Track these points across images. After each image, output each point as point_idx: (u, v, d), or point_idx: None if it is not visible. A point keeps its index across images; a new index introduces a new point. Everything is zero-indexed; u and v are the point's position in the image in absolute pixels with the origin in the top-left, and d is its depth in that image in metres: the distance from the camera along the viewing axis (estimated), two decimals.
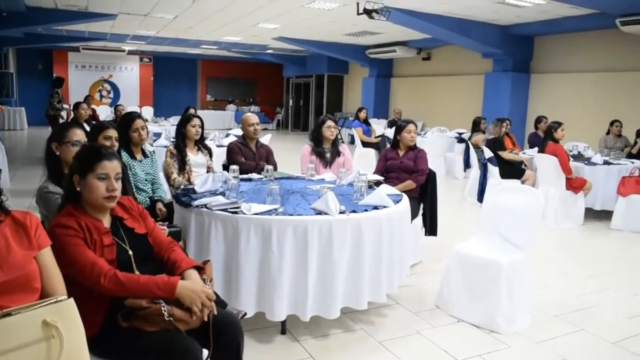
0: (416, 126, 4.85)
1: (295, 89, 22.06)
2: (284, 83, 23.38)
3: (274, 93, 23.86)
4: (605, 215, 6.86)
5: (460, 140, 10.46)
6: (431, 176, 4.72)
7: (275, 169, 4.76)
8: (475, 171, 7.90)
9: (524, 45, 11.69)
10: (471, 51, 12.40)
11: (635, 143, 8.05)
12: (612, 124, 8.60)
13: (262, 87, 23.89)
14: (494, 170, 7.28)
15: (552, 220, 6.56)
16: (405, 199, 3.75)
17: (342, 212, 3.16)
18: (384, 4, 9.29)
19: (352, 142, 12.25)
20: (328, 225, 3.07)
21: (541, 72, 11.74)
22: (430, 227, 4.71)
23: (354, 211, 3.23)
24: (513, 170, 7.28)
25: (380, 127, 11.98)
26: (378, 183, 4.17)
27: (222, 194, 3.54)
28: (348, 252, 3.14)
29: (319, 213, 3.16)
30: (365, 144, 10.34)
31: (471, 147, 8.24)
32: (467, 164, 9.71)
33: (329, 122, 4.91)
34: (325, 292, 3.13)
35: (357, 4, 9.35)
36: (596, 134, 8.93)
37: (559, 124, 6.75)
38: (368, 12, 9.21)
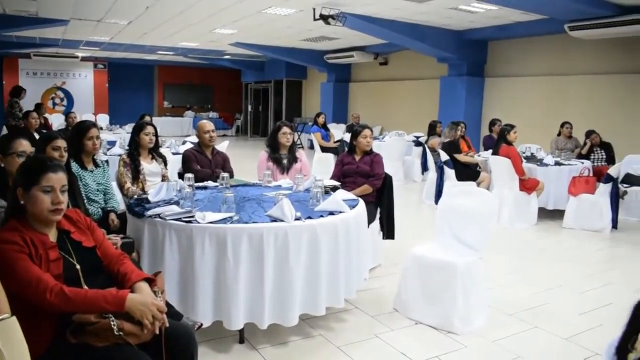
0: (372, 131, 4.89)
1: (253, 94, 21.97)
2: (243, 89, 23.26)
3: (233, 99, 23.71)
4: (557, 215, 7.05)
5: (418, 143, 10.60)
6: (387, 180, 4.77)
7: (231, 176, 4.72)
8: (432, 174, 8.03)
9: (478, 49, 11.93)
10: (427, 56, 12.59)
11: (585, 144, 8.32)
12: (562, 125, 8.86)
13: (220, 93, 23.69)
14: (450, 173, 7.40)
15: (507, 221, 6.72)
16: (362, 203, 3.77)
17: (297, 219, 3.16)
18: (340, 10, 9.36)
19: (312, 147, 12.27)
20: (284, 232, 3.07)
21: (495, 75, 12.01)
22: (388, 231, 4.75)
23: (309, 217, 3.24)
24: (469, 173, 7.43)
25: (339, 131, 12.05)
26: (335, 188, 4.19)
27: (177, 203, 3.49)
28: (304, 259, 3.14)
29: (275, 220, 3.15)
30: (324, 149, 10.40)
31: (428, 150, 8.37)
32: (424, 167, 9.85)
33: (285, 129, 4.91)
34: (282, 299, 3.12)
35: (314, 10, 9.41)
36: (548, 136, 9.18)
37: (512, 126, 6.93)
38: (324, 18, 9.27)
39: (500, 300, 4.20)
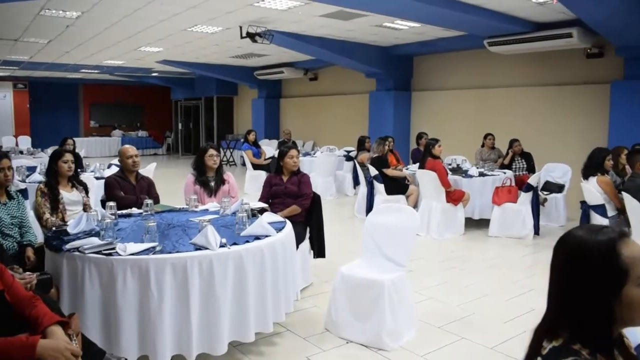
0: (298, 151, 4.92)
1: (184, 112, 21.63)
2: (173, 106, 22.82)
3: (163, 117, 23.24)
4: (483, 224, 7.31)
5: (349, 158, 10.74)
6: (316, 199, 4.80)
7: (157, 201, 4.62)
8: (363, 188, 8.15)
9: (404, 64, 12.26)
10: (355, 71, 12.82)
11: (508, 153, 8.67)
12: (485, 137, 9.21)
13: (149, 111, 23.19)
14: (380, 187, 7.54)
15: (436, 232, 6.89)
16: (289, 225, 3.78)
17: (222, 246, 3.13)
18: (266, 27, 9.39)
19: (245, 164, 12.20)
20: (208, 260, 3.02)
21: (421, 89, 12.36)
22: (318, 250, 4.77)
23: (235, 243, 3.20)
24: (397, 187, 7.59)
25: (271, 148, 12.04)
26: (262, 210, 4.17)
27: (97, 234, 3.38)
28: (231, 286, 3.11)
29: (199, 248, 3.10)
30: (256, 166, 10.36)
31: (357, 165, 8.49)
32: (356, 182, 9.99)
33: (211, 151, 4.85)
34: (210, 328, 3.07)
35: (240, 28, 9.39)
36: (473, 147, 9.51)
37: (436, 140, 7.14)
38: (251, 36, 9.26)
39: (429, 313, 4.30)
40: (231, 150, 16.81)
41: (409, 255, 3.87)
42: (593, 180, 5.65)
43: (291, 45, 10.72)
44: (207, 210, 4.34)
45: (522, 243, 6.70)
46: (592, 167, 5.73)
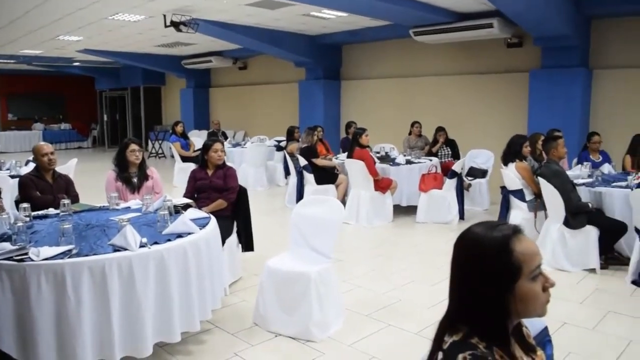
0: (223, 145, 4.84)
1: (109, 102, 20.87)
2: (97, 97, 21.94)
3: (87, 108, 22.28)
4: (411, 210, 7.49)
5: (279, 148, 10.71)
6: (243, 193, 4.75)
7: (76, 200, 4.44)
8: (293, 179, 8.15)
9: (333, 54, 12.32)
10: (285, 60, 12.76)
11: (436, 140, 8.85)
12: (412, 125, 9.41)
13: (73, 102, 22.17)
14: (309, 177, 7.57)
15: (365, 220, 7.00)
16: (213, 221, 3.73)
17: (143, 245, 3.05)
18: (191, 16, 9.18)
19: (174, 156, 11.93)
20: (128, 261, 2.93)
21: (350, 78, 12.46)
22: (246, 243, 4.75)
23: (156, 242, 3.13)
24: (327, 176, 7.64)
25: (200, 139, 11.80)
26: (186, 206, 4.09)
27: (9, 238, 3.20)
28: (153, 287, 3.03)
29: (119, 249, 3.00)
30: (184, 159, 10.16)
31: (287, 156, 8.49)
32: (287, 172, 9.97)
33: (133, 146, 4.70)
34: (133, 331, 2.99)
35: (164, 16, 9.13)
36: (401, 135, 9.70)
37: (363, 130, 7.22)
38: (175, 25, 9.03)
39: (357, 301, 4.37)
40: (160, 142, 16.39)
41: (335, 246, 3.90)
42: (512, 166, 5.89)
43: (218, 34, 10.54)
44: (129, 208, 4.21)
45: (447, 228, 6.91)
46: (510, 153, 5.97)
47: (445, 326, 1.32)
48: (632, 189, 4.97)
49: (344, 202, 7.40)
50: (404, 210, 7.60)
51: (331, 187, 7.55)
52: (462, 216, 7.19)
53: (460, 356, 1.19)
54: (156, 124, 17.91)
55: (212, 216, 3.86)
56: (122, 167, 4.72)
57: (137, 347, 3.02)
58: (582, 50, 8.54)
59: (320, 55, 11.99)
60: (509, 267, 1.24)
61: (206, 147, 4.77)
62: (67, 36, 11.85)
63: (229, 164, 9.59)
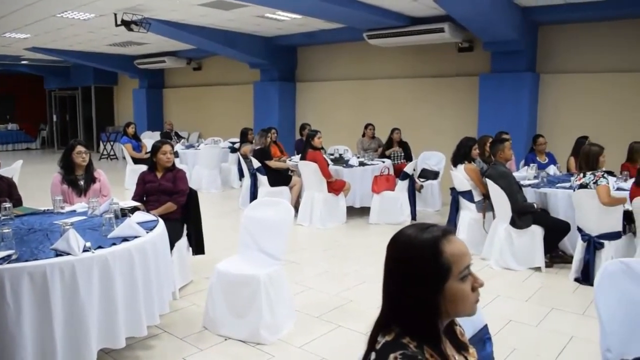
0: (172, 147, 4.77)
1: (59, 102, 20.24)
2: (47, 97, 21.24)
3: (36, 108, 21.47)
4: (365, 212, 7.55)
5: (234, 150, 10.63)
6: (193, 195, 4.70)
7: (19, 204, 4.30)
8: (247, 181, 8.11)
9: (288, 55, 12.31)
10: (240, 61, 12.68)
11: (390, 140, 8.91)
12: (366, 127, 9.49)
13: (21, 101, 21.34)
14: (263, 179, 7.54)
15: (319, 222, 7.03)
16: (160, 224, 3.67)
17: (86, 250, 2.97)
18: (142, 15, 9.01)
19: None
20: (70, 266, 2.85)
21: (305, 80, 12.48)
22: (197, 246, 4.69)
23: (100, 247, 3.06)
24: (281, 178, 7.63)
25: (153, 141, 11.60)
26: (134, 209, 4.01)
27: None
28: (97, 292, 2.96)
29: (61, 254, 2.92)
30: (136, 160, 9.95)
31: (241, 158, 8.44)
32: (242, 174, 9.91)
33: (79, 148, 4.58)
34: (76, 338, 2.91)
35: (115, 15, 8.94)
36: (356, 137, 9.76)
37: (316, 132, 7.25)
38: (126, 24, 8.85)
39: (308, 303, 4.38)
40: (111, 143, 16.01)
41: (288, 247, 3.90)
42: (461, 167, 6.02)
43: (170, 34, 10.39)
44: (74, 211, 4.10)
45: (399, 229, 6.97)
46: (459, 155, 6.10)
47: (379, 327, 1.34)
48: (574, 190, 5.14)
49: (297, 204, 7.41)
50: (358, 212, 7.66)
51: (285, 189, 7.54)
52: (414, 217, 7.30)
53: (392, 356, 1.21)
54: (108, 125, 17.47)
55: (160, 219, 3.80)
56: (68, 170, 4.59)
57: (80, 354, 2.94)
58: (530, 55, 8.80)
59: (276, 56, 11.96)
60: (438, 268, 1.27)
61: (155, 149, 4.68)
62: (14, 33, 11.45)
63: (182, 166, 9.64)
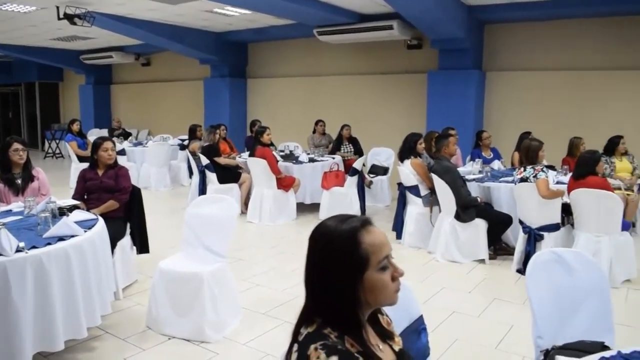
0: (114, 143, 4.65)
1: (1, 99, 19.45)
2: None
3: None
4: (315, 208, 7.55)
5: (183, 147, 10.48)
6: (136, 193, 4.60)
7: None
8: (196, 178, 8.01)
9: (239, 51, 12.19)
10: (189, 57, 12.49)
11: (340, 136, 8.95)
12: (316, 123, 9.50)
13: None
14: (212, 177, 7.46)
15: (268, 219, 7.01)
16: (100, 222, 3.58)
17: (19, 250, 2.87)
18: (86, 9, 8.76)
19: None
20: (2, 268, 2.75)
21: (256, 76, 12.39)
22: (141, 245, 4.59)
23: (34, 246, 2.96)
24: (230, 175, 7.56)
25: None
26: (73, 208, 3.90)
27: None
28: (32, 294, 2.87)
29: None
30: (82, 159, 9.67)
31: (189, 155, 8.32)
32: (191, 171, 9.77)
33: (16, 145, 4.41)
34: (8, 342, 2.81)
35: (57, 8, 8.66)
36: (307, 134, 9.76)
37: (265, 128, 7.23)
38: (69, 18, 8.58)
39: (255, 300, 4.36)
40: (57, 141, 15.51)
41: (236, 245, 3.88)
42: (407, 163, 6.10)
43: (116, 28, 10.14)
44: (10, 211, 3.95)
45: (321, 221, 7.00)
46: (405, 150, 6.19)
47: (302, 319, 1.35)
48: (515, 184, 5.29)
49: (247, 200, 7.37)
50: (308, 208, 7.67)
51: (234, 186, 7.48)
52: (363, 213, 7.36)
53: (312, 347, 1.22)
54: (53, 122, 16.89)
55: (100, 217, 3.71)
56: (5, 168, 4.42)
57: (15, 359, 2.85)
58: (476, 53, 9.00)
59: (226, 52, 11.83)
60: (356, 258, 1.28)
61: (95, 146, 4.55)
62: None
63: (130, 164, 9.44)
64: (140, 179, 9.63)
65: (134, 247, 4.64)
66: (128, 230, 4.57)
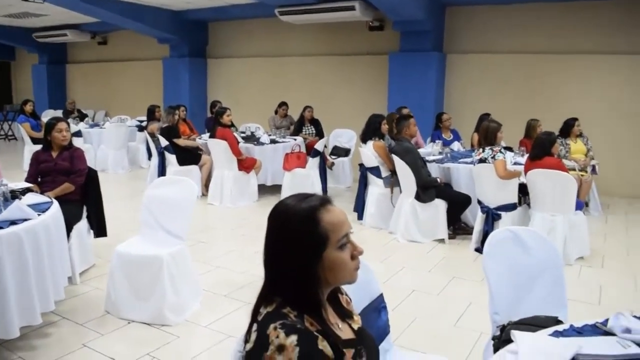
0: (68, 124, 4.51)
1: None
2: None
3: None
4: (277, 189, 7.52)
5: (141, 128, 10.26)
6: (92, 175, 4.48)
7: None
8: (155, 160, 7.86)
9: (199, 30, 11.94)
10: (148, 36, 12.17)
11: (301, 119, 8.90)
12: (280, 106, 9.43)
13: None
14: (171, 158, 7.34)
15: (229, 200, 6.95)
16: (55, 205, 3.48)
17: None
18: None
19: None
20: None
21: (217, 57, 12.18)
22: (98, 229, 4.49)
23: None
24: (190, 157, 7.46)
25: None
26: (26, 191, 3.78)
27: None
28: None
29: None
30: (35, 140, 9.37)
31: (148, 136, 8.16)
32: (150, 153, 9.60)
33: None
34: None
35: None
36: (268, 114, 9.69)
37: (225, 109, 7.13)
38: None
39: (216, 282, 4.34)
40: (9, 122, 14.97)
41: (197, 227, 3.83)
42: (370, 144, 6.12)
43: (70, 5, 9.77)
44: None
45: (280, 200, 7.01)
46: (369, 132, 6.20)
47: (261, 298, 1.34)
48: (474, 164, 5.38)
49: (208, 182, 7.29)
50: (269, 190, 7.63)
51: (194, 167, 7.38)
52: (325, 194, 7.29)
53: (272, 326, 1.21)
54: (5, 103, 16.25)
55: (54, 201, 3.60)
56: None
57: None
58: (437, 36, 9.05)
59: (185, 31, 11.57)
60: (316, 237, 1.28)
61: (49, 127, 4.40)
62: None
63: (86, 146, 9.20)
64: (97, 161, 9.40)
65: (91, 231, 4.53)
66: (85, 214, 4.46)
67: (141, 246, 3.65)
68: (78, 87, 15.28)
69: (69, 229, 3.91)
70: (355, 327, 1.44)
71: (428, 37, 8.81)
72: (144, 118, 10.08)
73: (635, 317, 1.88)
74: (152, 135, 8.08)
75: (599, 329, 1.85)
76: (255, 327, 1.28)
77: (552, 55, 8.43)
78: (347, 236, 1.33)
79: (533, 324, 2.16)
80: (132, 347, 3.27)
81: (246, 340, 1.30)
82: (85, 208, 4.47)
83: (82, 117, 12.22)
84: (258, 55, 11.52)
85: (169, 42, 11.90)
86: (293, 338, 1.17)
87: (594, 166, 6.82)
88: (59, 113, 12.57)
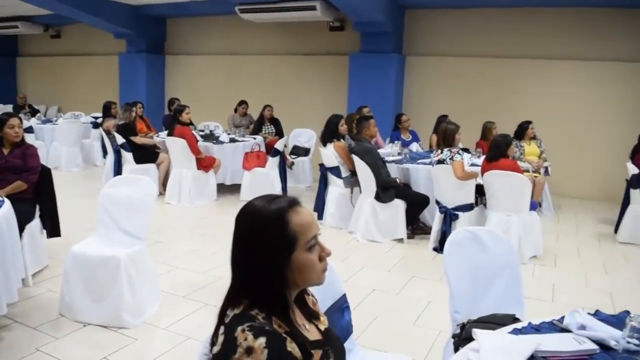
0: (21, 120, 4.35)
1: None
2: None
3: None
4: (236, 189, 7.47)
5: (96, 125, 10.01)
6: (46, 173, 4.34)
7: None
8: (110, 158, 7.69)
9: (157, 26, 11.74)
10: (103, 30, 11.87)
11: (261, 119, 8.85)
12: (239, 104, 9.36)
13: None
14: (128, 156, 7.19)
15: (188, 200, 6.86)
16: (7, 204, 3.36)
17: None
18: None
19: None
20: None
21: (175, 53, 12.00)
22: (52, 229, 4.35)
23: None
24: (147, 155, 7.32)
25: None
26: None
27: None
28: None
29: None
30: None
31: (103, 133, 7.97)
32: (105, 151, 9.37)
33: None
34: None
35: None
36: (228, 113, 9.60)
37: (184, 107, 7.03)
38: None
39: (175, 283, 4.27)
40: None
41: (155, 227, 3.75)
42: (330, 146, 6.14)
43: None
44: None
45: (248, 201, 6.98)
46: (328, 134, 6.22)
47: (228, 300, 1.32)
48: (432, 165, 5.46)
49: (165, 181, 7.17)
50: (228, 189, 7.57)
51: (152, 166, 7.25)
52: (285, 193, 7.34)
53: (239, 328, 1.20)
54: None
55: (5, 199, 3.47)
56: None
57: None
58: (397, 37, 9.16)
59: (143, 27, 11.33)
60: (284, 238, 1.27)
61: (0, 123, 4.24)
62: None
63: (38, 142, 8.91)
64: (49, 158, 9.12)
65: (44, 231, 4.38)
66: (37, 213, 4.31)
67: (98, 247, 3.56)
68: (29, 81, 14.79)
69: (21, 229, 3.77)
70: (322, 327, 1.44)
71: (388, 39, 8.91)
72: (99, 114, 9.82)
73: (589, 314, 1.95)
74: (108, 132, 7.88)
75: (556, 326, 1.91)
76: (222, 329, 1.27)
77: (508, 60, 8.66)
78: (315, 238, 1.33)
79: (492, 322, 2.21)
80: (88, 350, 3.19)
81: (213, 343, 1.29)
82: (38, 207, 4.32)
83: (33, 112, 11.84)
84: (218, 53, 11.41)
85: (125, 37, 11.64)
86: (262, 340, 1.16)
87: (546, 168, 7.03)
88: (9, 108, 12.14)
